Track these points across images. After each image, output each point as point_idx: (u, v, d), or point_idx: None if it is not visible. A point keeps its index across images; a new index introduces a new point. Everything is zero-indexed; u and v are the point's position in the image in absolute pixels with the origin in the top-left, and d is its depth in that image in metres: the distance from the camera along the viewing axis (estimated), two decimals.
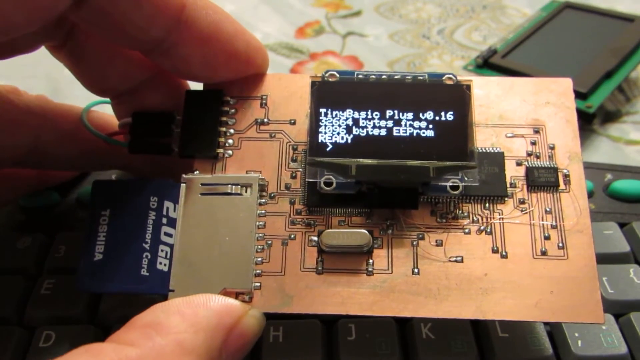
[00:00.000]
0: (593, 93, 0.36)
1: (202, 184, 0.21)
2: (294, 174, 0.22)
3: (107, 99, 0.24)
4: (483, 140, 0.22)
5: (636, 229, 0.26)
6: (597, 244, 0.25)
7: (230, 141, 0.22)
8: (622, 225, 0.27)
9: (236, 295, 0.20)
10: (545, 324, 0.23)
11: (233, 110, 0.23)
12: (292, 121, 0.22)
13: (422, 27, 0.48)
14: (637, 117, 0.39)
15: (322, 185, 0.20)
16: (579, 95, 0.36)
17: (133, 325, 0.17)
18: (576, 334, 0.22)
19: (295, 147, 0.22)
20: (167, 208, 0.21)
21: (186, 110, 0.22)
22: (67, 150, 0.25)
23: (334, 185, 0.20)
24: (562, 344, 0.22)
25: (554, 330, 0.23)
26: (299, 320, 0.22)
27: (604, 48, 0.40)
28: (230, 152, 0.22)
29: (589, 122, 0.38)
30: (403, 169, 0.20)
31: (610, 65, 0.38)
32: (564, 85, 0.22)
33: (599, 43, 0.40)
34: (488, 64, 0.40)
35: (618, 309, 0.23)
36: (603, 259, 0.25)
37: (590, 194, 0.28)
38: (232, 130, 0.22)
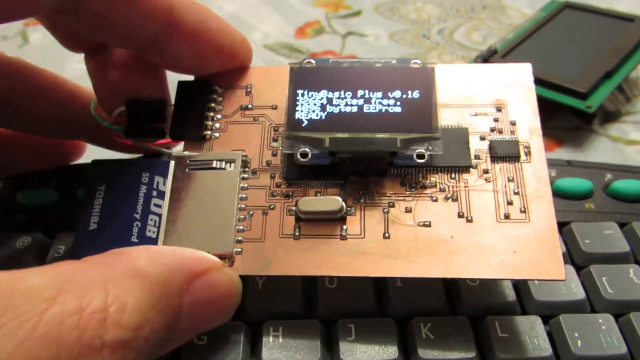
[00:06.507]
0: (593, 93, 0.37)
1: (189, 161, 0.23)
2: (274, 152, 0.23)
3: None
4: (448, 119, 0.23)
5: (636, 229, 0.26)
6: (597, 244, 0.25)
7: (217, 125, 0.24)
8: (622, 225, 0.27)
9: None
10: (545, 322, 0.23)
11: (221, 98, 0.25)
12: (274, 106, 0.24)
13: (422, 27, 0.49)
14: (637, 117, 0.39)
15: (298, 156, 0.22)
16: (579, 95, 0.36)
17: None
18: (576, 334, 0.22)
19: (276, 128, 0.24)
20: (157, 182, 0.23)
21: (178, 97, 0.24)
22: (38, 110, 0.26)
23: (309, 156, 0.22)
24: (562, 344, 0.22)
25: (554, 330, 0.23)
26: (299, 320, 0.23)
27: (604, 48, 0.40)
28: (217, 134, 0.24)
29: (589, 122, 0.38)
30: (373, 141, 0.22)
31: (610, 65, 0.38)
32: (524, 69, 0.24)
33: (599, 43, 0.40)
34: None
35: (618, 309, 0.23)
36: (603, 258, 0.25)
37: (590, 194, 0.28)
38: (219, 116, 0.24)
